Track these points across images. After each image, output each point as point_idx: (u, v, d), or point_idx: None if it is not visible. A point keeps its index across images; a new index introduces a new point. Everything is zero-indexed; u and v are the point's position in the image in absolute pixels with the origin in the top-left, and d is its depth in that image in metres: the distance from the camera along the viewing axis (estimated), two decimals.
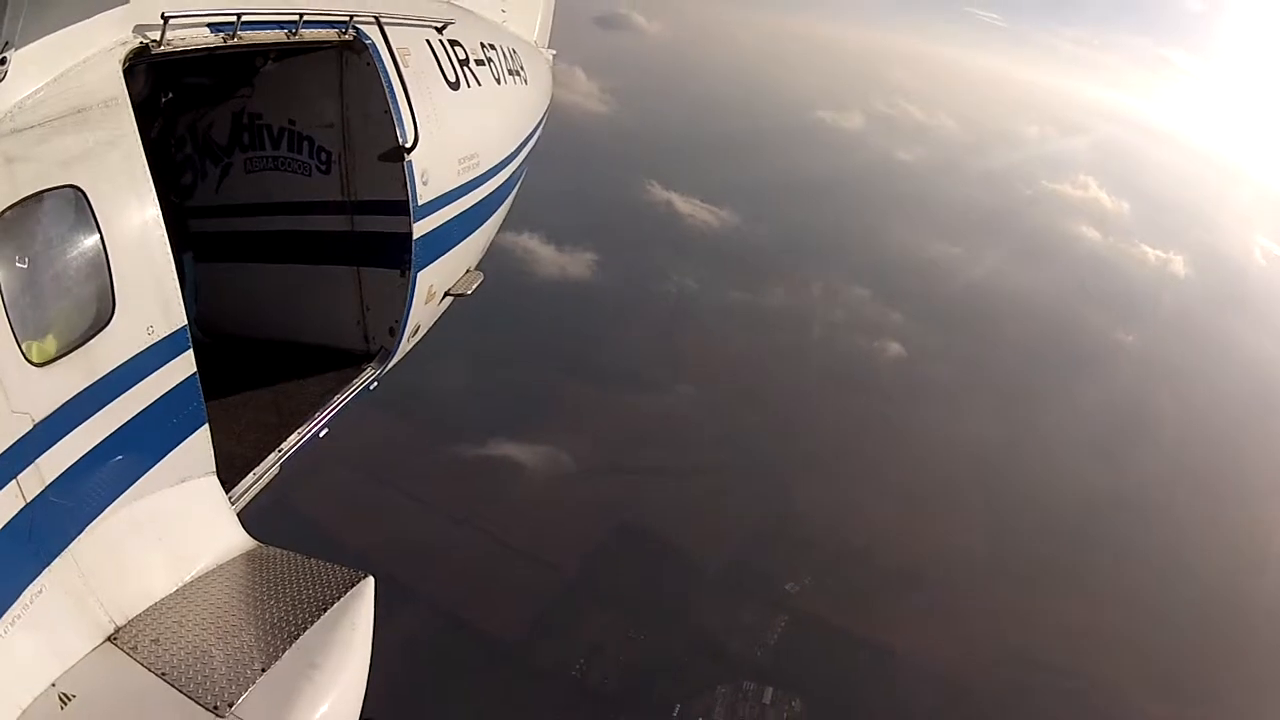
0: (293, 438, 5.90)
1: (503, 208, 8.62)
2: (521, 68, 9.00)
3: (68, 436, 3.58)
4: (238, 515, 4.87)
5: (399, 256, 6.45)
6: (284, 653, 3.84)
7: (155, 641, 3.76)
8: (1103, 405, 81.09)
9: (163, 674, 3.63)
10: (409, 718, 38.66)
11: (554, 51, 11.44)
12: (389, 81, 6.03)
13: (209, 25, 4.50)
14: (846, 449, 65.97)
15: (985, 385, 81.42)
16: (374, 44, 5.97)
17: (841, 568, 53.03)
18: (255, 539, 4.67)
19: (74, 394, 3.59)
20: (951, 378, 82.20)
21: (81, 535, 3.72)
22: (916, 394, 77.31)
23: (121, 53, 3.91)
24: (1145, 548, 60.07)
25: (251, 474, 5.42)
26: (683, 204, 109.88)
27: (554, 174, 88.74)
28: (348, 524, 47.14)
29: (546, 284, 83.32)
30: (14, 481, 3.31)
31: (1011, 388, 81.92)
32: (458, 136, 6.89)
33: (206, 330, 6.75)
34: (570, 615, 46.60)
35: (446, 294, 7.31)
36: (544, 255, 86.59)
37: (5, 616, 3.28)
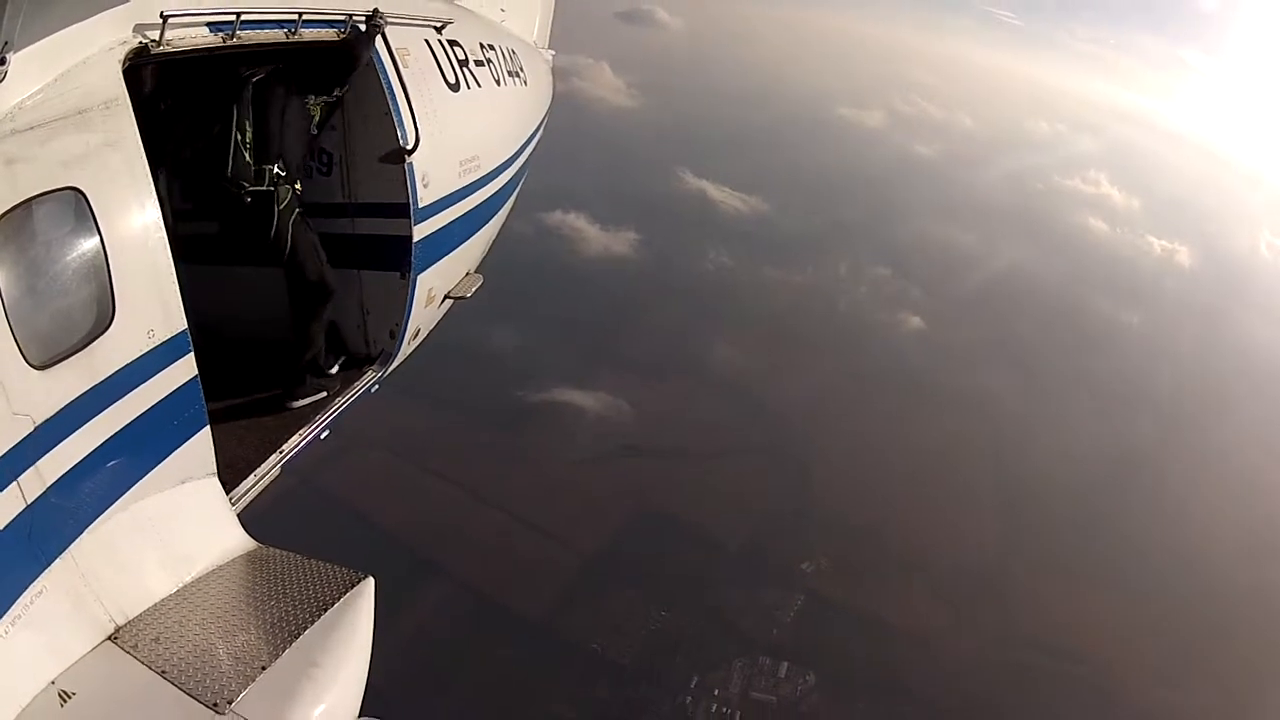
0: (294, 439, 5.89)
1: (503, 211, 8.50)
2: (521, 69, 8.88)
3: (69, 439, 3.59)
4: (239, 516, 4.90)
5: (399, 259, 6.43)
6: (284, 652, 3.87)
7: (155, 640, 3.79)
8: (1109, 387, 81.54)
9: (163, 672, 3.66)
10: (432, 691, 39.30)
11: (553, 52, 11.24)
12: (388, 82, 6.00)
13: (208, 25, 4.50)
14: (863, 431, 66.13)
15: (998, 362, 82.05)
16: None
17: (856, 549, 53.31)
18: (256, 540, 4.69)
19: (75, 396, 3.60)
20: (966, 350, 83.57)
21: (82, 536, 3.74)
22: (933, 370, 78.13)
23: (121, 52, 3.90)
24: (1153, 533, 59.84)
25: (253, 475, 5.43)
26: (714, 191, 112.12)
27: (593, 161, 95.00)
28: (374, 502, 48.05)
29: (592, 261, 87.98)
30: (15, 483, 3.33)
31: (1023, 368, 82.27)
32: (458, 138, 6.83)
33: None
34: (592, 592, 47.27)
35: (446, 297, 7.30)
36: (590, 234, 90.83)
37: (6, 616, 3.31)
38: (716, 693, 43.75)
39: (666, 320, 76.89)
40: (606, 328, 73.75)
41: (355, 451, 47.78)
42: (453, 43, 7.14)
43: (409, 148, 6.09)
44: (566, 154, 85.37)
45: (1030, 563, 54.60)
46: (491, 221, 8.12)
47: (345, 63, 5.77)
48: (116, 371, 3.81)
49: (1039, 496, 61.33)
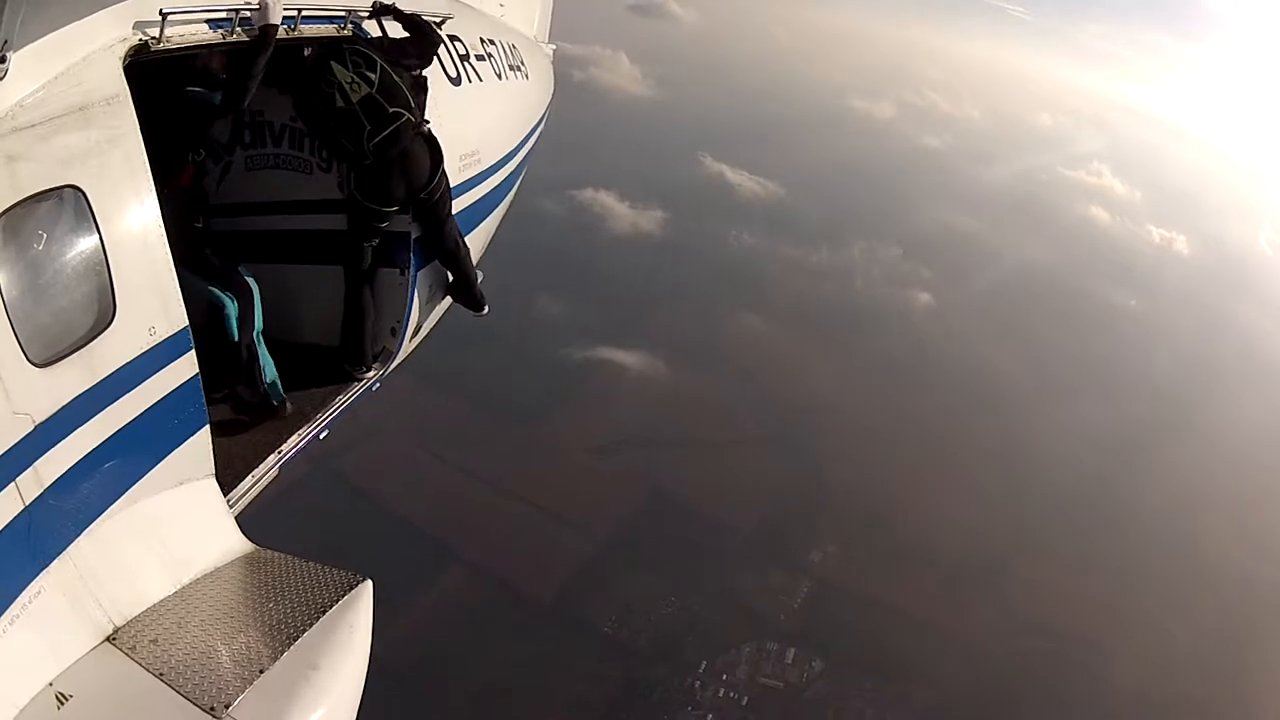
0: (293, 439, 5.85)
1: (502, 206, 8.42)
2: (522, 63, 8.81)
3: (68, 438, 3.57)
4: (237, 518, 4.87)
5: (398, 256, 6.40)
6: (282, 654, 3.84)
7: (154, 642, 3.77)
8: (1109, 371, 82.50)
9: (160, 674, 3.63)
10: (447, 672, 40.28)
11: (554, 46, 11.15)
12: None
13: (208, 21, 4.49)
14: (870, 416, 66.65)
15: (1003, 346, 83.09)
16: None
17: (863, 534, 53.94)
18: (254, 542, 4.67)
19: (75, 395, 3.58)
20: (972, 335, 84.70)
21: (80, 537, 3.72)
22: (939, 355, 79.06)
23: (121, 50, 3.88)
24: (1163, 524, 59.88)
25: (251, 475, 5.39)
26: (733, 175, 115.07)
27: (616, 144, 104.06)
28: (387, 488, 48.79)
29: (621, 238, 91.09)
30: (13, 483, 3.31)
31: (1026, 351, 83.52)
32: (458, 133, 6.74)
33: None
34: (603, 576, 47.97)
35: (446, 293, 7.23)
36: (619, 211, 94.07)
37: (4, 617, 3.29)
38: (725, 677, 44.35)
39: (694, 299, 78.90)
40: (636, 306, 74.92)
41: (369, 438, 48.55)
42: (453, 37, 7.10)
43: None
44: (591, 138, 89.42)
45: (1033, 549, 54.95)
46: (491, 216, 8.06)
47: (427, 39, 6.15)
48: (117, 369, 3.79)
49: (1042, 483, 61.60)
